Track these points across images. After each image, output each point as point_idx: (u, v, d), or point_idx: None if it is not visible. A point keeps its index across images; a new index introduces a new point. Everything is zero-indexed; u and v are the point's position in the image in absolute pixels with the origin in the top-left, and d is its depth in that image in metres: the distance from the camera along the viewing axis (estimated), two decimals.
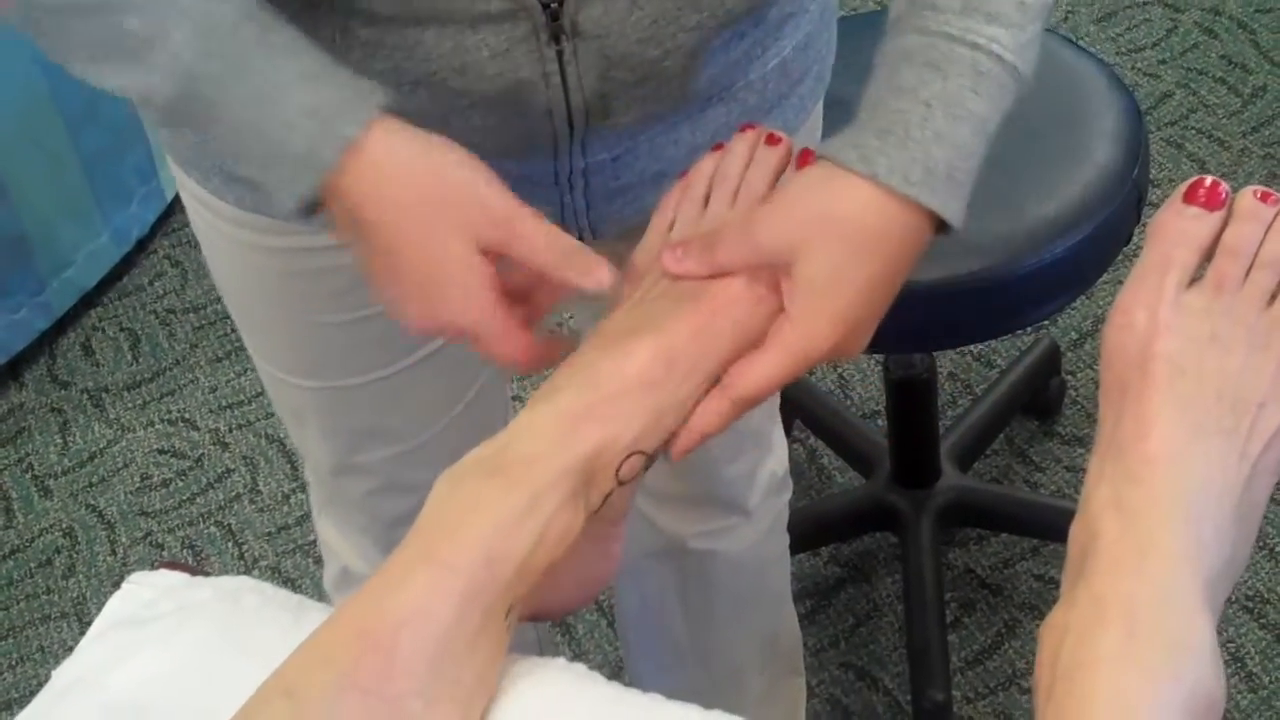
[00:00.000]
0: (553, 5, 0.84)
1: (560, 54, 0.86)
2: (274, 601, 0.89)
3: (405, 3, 0.82)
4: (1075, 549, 0.76)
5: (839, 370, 2.12)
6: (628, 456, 0.81)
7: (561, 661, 0.82)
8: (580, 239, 1.00)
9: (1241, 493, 0.76)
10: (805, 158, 0.89)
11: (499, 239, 0.82)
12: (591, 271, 0.83)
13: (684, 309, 0.84)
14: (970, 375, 2.09)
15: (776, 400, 1.33)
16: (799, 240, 0.83)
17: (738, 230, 0.85)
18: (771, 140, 0.91)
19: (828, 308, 0.83)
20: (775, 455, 1.36)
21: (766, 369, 0.84)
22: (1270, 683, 1.74)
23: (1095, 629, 0.71)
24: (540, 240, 0.82)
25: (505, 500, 0.78)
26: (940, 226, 0.84)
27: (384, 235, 0.82)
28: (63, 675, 0.86)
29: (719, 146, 0.92)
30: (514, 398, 1.72)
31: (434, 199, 0.81)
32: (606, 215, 1.01)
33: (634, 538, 0.97)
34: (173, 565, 0.94)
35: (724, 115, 0.98)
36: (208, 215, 1.04)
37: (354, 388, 1.12)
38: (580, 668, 0.82)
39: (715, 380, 0.85)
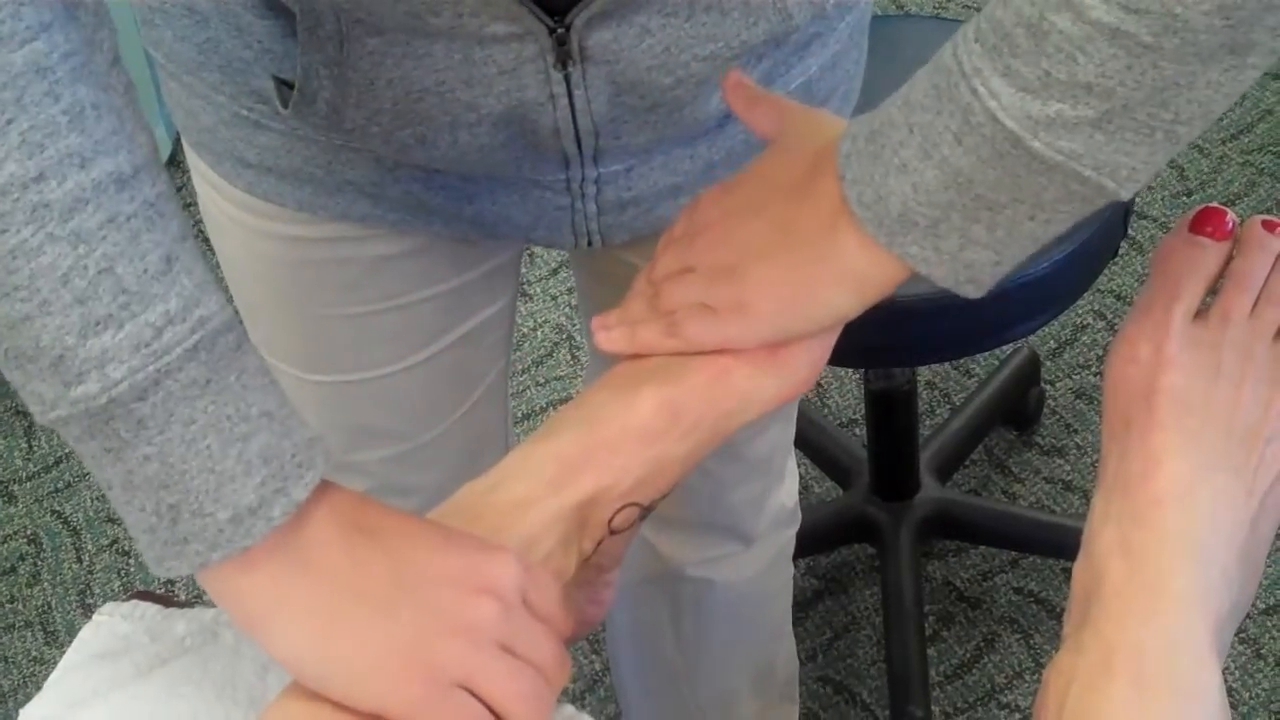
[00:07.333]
0: (559, 30, 0.81)
1: (568, 78, 0.84)
2: None
3: (412, 21, 0.80)
4: (1079, 590, 0.75)
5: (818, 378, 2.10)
6: (622, 507, 0.78)
7: (570, 710, 0.79)
8: (589, 245, 0.99)
9: (1248, 531, 0.75)
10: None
11: None
12: None
13: (700, 359, 0.80)
14: (949, 384, 2.07)
15: (791, 431, 1.29)
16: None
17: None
18: None
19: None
20: (785, 486, 1.33)
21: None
22: (1250, 699, 1.73)
23: (1102, 678, 0.70)
24: None
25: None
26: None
27: None
28: (31, 714, 0.83)
29: None
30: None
31: None
32: (617, 224, 0.98)
33: (630, 561, 0.94)
34: (144, 595, 0.92)
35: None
36: (218, 199, 1.02)
37: (356, 384, 1.09)
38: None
39: (721, 436, 0.81)
